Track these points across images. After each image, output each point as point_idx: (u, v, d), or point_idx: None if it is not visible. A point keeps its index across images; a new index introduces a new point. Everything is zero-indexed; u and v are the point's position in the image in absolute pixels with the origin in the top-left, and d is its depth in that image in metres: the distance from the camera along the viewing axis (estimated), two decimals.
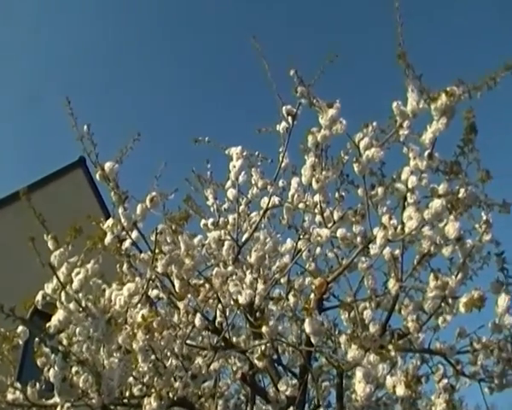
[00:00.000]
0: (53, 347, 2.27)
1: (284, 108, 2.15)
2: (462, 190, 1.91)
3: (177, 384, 2.50)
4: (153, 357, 2.28)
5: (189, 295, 2.44)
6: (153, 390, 2.41)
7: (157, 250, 2.31)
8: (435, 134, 1.78)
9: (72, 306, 2.20)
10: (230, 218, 2.54)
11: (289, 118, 2.13)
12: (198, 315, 2.42)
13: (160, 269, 2.35)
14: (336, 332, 2.73)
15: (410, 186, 1.90)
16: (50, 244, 2.36)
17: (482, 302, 2.14)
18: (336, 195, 2.27)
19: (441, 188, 1.94)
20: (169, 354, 2.44)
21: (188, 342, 2.51)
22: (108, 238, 2.41)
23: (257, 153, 2.52)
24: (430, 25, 14.86)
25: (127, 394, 2.55)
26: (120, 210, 2.39)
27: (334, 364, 2.72)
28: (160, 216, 2.46)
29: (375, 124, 1.95)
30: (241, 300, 2.38)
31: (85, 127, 2.20)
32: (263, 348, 2.48)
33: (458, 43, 14.78)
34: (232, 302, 2.44)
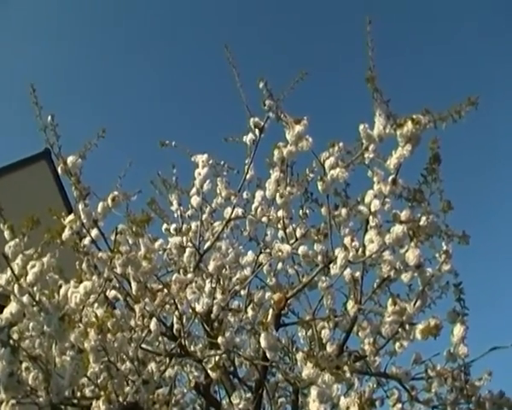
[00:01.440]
0: (2, 340, 2.23)
1: (252, 119, 2.16)
2: (423, 219, 1.94)
3: (127, 389, 2.48)
4: (106, 359, 2.26)
5: (146, 299, 2.43)
6: (102, 393, 2.39)
7: (115, 250, 2.29)
8: (400, 160, 1.81)
9: (25, 299, 2.17)
10: (193, 225, 2.54)
11: (256, 130, 2.15)
12: (154, 320, 2.41)
13: (118, 269, 2.33)
14: (294, 349, 2.75)
15: (372, 210, 1.93)
16: (7, 234, 2.33)
17: (438, 331, 2.18)
18: (300, 212, 2.30)
19: (403, 214, 1.97)
20: (125, 356, 2.43)
21: (143, 346, 2.50)
22: (66, 233, 2.38)
23: (223, 162, 2.53)
24: (403, 53, 15.43)
25: (78, 394, 2.53)
26: (81, 206, 2.37)
27: (291, 381, 2.73)
28: (123, 216, 2.45)
29: (341, 144, 1.98)
30: (199, 308, 2.39)
31: (49, 118, 2.17)
32: (217, 358, 2.48)
33: (429, 73, 15.42)
34: (190, 310, 2.44)
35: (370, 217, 1.93)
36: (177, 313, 2.45)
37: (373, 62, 1.76)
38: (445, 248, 2.10)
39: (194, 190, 2.41)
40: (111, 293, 2.62)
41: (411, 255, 1.98)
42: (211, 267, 2.21)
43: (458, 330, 2.18)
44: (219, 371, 2.51)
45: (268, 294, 2.45)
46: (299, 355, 2.46)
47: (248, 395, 2.71)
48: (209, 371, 2.50)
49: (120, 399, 2.38)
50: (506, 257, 14.53)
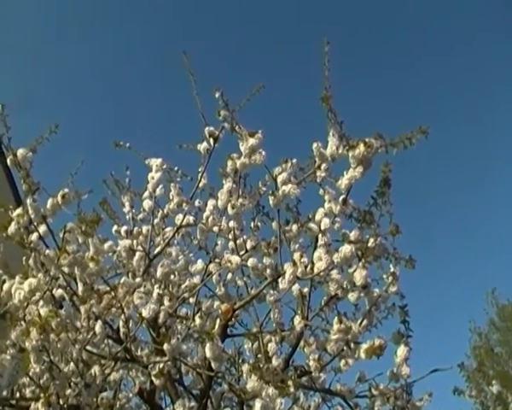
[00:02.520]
0: None
1: (207, 128, 2.16)
2: (371, 240, 1.97)
3: (69, 391, 2.44)
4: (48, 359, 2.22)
5: (92, 301, 2.39)
6: (42, 395, 2.34)
7: (62, 249, 2.26)
8: (351, 181, 1.84)
9: None
10: (144, 229, 2.52)
11: (211, 139, 2.15)
12: (99, 322, 2.38)
13: (65, 269, 2.30)
14: (240, 360, 2.75)
15: (322, 228, 1.96)
16: None
17: (381, 351, 2.23)
18: (252, 224, 2.31)
19: (352, 234, 2.00)
20: (69, 357, 2.39)
21: (88, 348, 2.46)
22: (12, 228, 2.33)
23: (176, 168, 2.52)
24: (361, 76, 16.10)
25: (18, 395, 2.47)
26: (29, 201, 2.33)
27: (236, 392, 2.74)
28: (73, 215, 2.41)
29: (294, 161, 1.99)
30: (145, 313, 2.36)
31: None
32: (162, 365, 2.46)
33: (385, 98, 16.21)
34: (137, 315, 2.42)
35: (320, 235, 1.95)
36: (123, 316, 2.42)
37: (329, 83, 1.79)
38: (392, 270, 2.14)
39: (146, 193, 2.40)
40: (57, 292, 2.57)
41: (358, 276, 2.02)
42: (158, 273, 2.20)
43: (402, 351, 2.23)
44: (163, 379, 2.50)
45: (217, 303, 2.44)
46: (245, 367, 2.48)
47: (192, 403, 2.70)
48: (153, 378, 2.48)
49: (61, 401, 2.34)
50: (451, 282, 15.16)
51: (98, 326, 2.33)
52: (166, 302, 2.37)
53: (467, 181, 17.33)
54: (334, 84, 1.76)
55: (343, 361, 2.50)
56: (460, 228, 16.82)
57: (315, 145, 1.89)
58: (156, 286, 2.34)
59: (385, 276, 2.18)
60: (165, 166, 2.35)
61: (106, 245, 2.41)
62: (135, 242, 2.43)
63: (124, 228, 2.52)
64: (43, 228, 2.36)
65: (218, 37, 15.68)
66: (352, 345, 2.31)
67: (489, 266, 15.02)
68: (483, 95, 17.30)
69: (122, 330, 2.51)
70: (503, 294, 10.83)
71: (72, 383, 2.39)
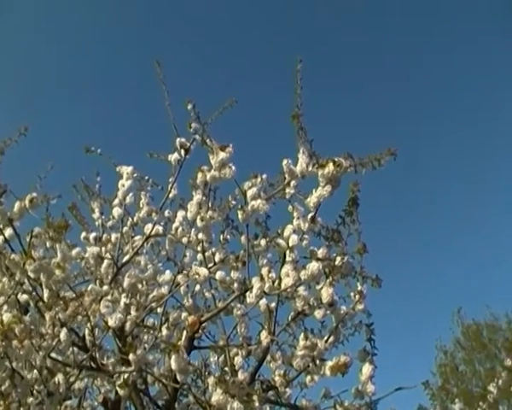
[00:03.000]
0: None
1: (178, 140, 2.16)
2: (338, 258, 1.99)
3: (30, 400, 2.40)
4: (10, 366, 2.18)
5: (58, 308, 2.36)
6: (2, 403, 2.30)
7: (28, 254, 2.23)
8: (319, 199, 1.86)
9: None
10: (113, 236, 2.50)
11: (182, 151, 2.15)
12: (64, 329, 2.35)
13: (31, 274, 2.27)
14: (206, 373, 2.74)
15: (290, 244, 1.96)
16: None
17: (346, 369, 2.25)
18: (221, 237, 2.31)
19: (320, 252, 2.02)
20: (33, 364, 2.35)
21: (52, 355, 2.42)
22: None
23: (147, 177, 2.52)
24: (332, 96, 16.65)
25: None
26: None
27: (202, 404, 2.73)
28: (41, 219, 2.39)
29: (264, 176, 2.00)
30: (111, 322, 2.34)
31: None
32: (126, 376, 2.44)
33: (356, 118, 16.82)
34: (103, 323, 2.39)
35: (287, 251, 1.96)
36: (89, 324, 2.39)
37: (300, 100, 1.81)
38: (359, 288, 2.16)
39: (116, 200, 2.38)
40: (22, 297, 2.54)
41: (325, 293, 2.03)
42: (125, 284, 2.19)
43: (367, 369, 2.24)
44: (128, 389, 2.47)
45: (184, 314, 2.43)
46: (211, 380, 2.48)
47: None
48: (118, 389, 2.45)
49: None
50: (419, 301, 15.57)
51: (63, 334, 2.30)
52: (133, 312, 2.35)
53: (434, 199, 17.78)
54: (305, 102, 1.78)
55: (309, 377, 2.51)
56: (429, 246, 17.29)
57: (285, 162, 1.90)
58: (123, 295, 2.32)
59: (352, 294, 2.20)
60: (135, 175, 2.34)
61: (74, 251, 2.38)
62: (103, 249, 2.41)
63: (93, 235, 2.49)
64: (9, 231, 2.33)
65: (193, 50, 16.03)
66: (318, 362, 2.33)
67: (456, 285, 15.42)
68: (444, 119, 17.89)
69: (88, 338, 2.48)
70: (469, 313, 11.12)
71: (34, 391, 2.36)
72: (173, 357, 2.19)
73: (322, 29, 16.76)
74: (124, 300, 2.35)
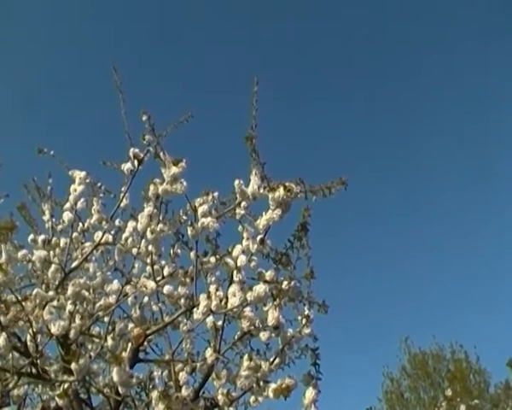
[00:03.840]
0: None
1: (132, 149, 2.16)
2: (285, 282, 2.01)
3: None
4: None
5: None
6: None
7: None
8: (269, 222, 1.88)
9: None
10: (62, 241, 2.47)
11: (135, 161, 2.14)
12: (3, 334, 2.31)
13: None
14: (151, 386, 2.72)
15: (238, 264, 1.98)
16: None
17: (289, 392, 2.26)
18: (171, 251, 2.31)
19: (268, 274, 2.03)
20: None
21: None
22: None
23: (100, 184, 2.50)
24: (287, 122, 17.26)
25: None
26: None
27: None
28: None
29: (216, 194, 2.01)
30: (54, 330, 2.31)
31: None
32: (67, 385, 2.41)
33: (309, 145, 17.50)
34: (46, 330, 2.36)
35: (235, 271, 1.97)
36: (31, 330, 2.36)
37: (255, 122, 1.82)
38: (306, 312, 2.18)
39: (67, 204, 2.36)
40: None
41: (271, 316, 2.05)
42: (69, 292, 2.16)
43: (310, 393, 2.26)
44: (67, 399, 2.44)
45: (131, 325, 2.41)
46: (155, 394, 2.46)
47: None
48: (56, 398, 2.42)
49: None
50: (368, 328, 16.00)
51: (2, 338, 2.26)
52: (78, 320, 2.33)
53: (384, 225, 18.32)
54: (260, 124, 1.80)
55: (253, 397, 2.52)
56: (379, 275, 17.76)
57: (237, 182, 1.92)
58: (69, 302, 2.30)
59: (299, 317, 2.22)
60: (88, 180, 2.32)
61: (20, 253, 2.35)
62: (51, 253, 2.38)
63: (41, 237, 2.46)
64: None
65: (152, 60, 16.25)
66: (262, 383, 2.34)
67: (404, 314, 15.81)
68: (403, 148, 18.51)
69: (30, 343, 2.43)
70: (416, 342, 11.46)
71: None
72: (115, 369, 2.18)
73: (282, 49, 17.34)
74: (69, 307, 2.32)
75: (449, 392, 7.30)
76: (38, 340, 2.40)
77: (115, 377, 2.18)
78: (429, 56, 17.55)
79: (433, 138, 17.92)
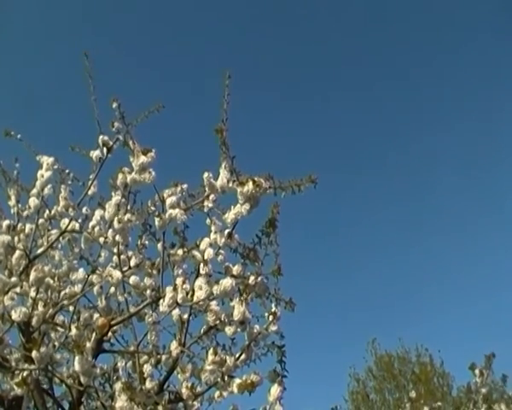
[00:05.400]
0: None
1: (101, 137, 2.17)
2: (252, 278, 2.04)
3: None
4: None
5: None
6: None
7: None
8: (237, 216, 1.91)
9: None
10: (28, 227, 2.47)
11: (104, 149, 2.16)
12: None
13: None
14: (115, 378, 2.75)
15: (205, 257, 2.00)
16: None
17: (254, 388, 2.31)
18: (139, 241, 2.33)
19: (235, 269, 2.07)
20: None
21: None
22: None
23: (68, 171, 2.50)
24: (262, 117, 17.54)
25: None
26: None
27: (108, 409, 2.72)
28: None
29: (185, 186, 2.04)
30: (15, 316, 2.31)
31: None
32: (26, 374, 2.42)
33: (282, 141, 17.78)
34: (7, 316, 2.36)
35: (202, 264, 2.00)
36: None
37: (226, 115, 1.85)
38: (273, 309, 2.22)
39: (34, 190, 2.36)
40: None
41: (237, 311, 2.09)
42: (31, 277, 2.17)
43: (275, 389, 2.31)
44: (26, 388, 2.45)
45: (96, 315, 2.43)
46: (118, 385, 2.48)
47: None
48: (14, 386, 2.42)
49: None
50: (336, 328, 16.37)
51: None
52: (41, 308, 2.34)
53: (353, 220, 18.61)
54: (232, 118, 1.83)
55: (218, 393, 2.56)
56: (349, 275, 18.04)
57: (206, 175, 1.95)
58: (33, 289, 2.30)
59: (266, 314, 2.26)
60: (56, 167, 2.32)
61: None
62: (16, 239, 2.38)
63: (6, 222, 2.45)
64: None
65: (125, 49, 16.24)
66: (226, 378, 2.38)
67: (371, 316, 16.10)
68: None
69: None
70: (383, 344, 11.68)
71: None
72: (77, 358, 2.20)
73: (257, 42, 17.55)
74: (31, 294, 2.33)
75: (413, 394, 7.50)
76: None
77: (77, 367, 2.20)
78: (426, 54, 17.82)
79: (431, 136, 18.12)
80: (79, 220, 2.32)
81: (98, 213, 2.22)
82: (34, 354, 2.29)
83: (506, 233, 15.59)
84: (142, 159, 1.94)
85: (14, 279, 2.33)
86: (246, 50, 18.14)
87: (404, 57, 18.82)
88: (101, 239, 2.20)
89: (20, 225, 2.51)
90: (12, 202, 2.61)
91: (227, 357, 2.28)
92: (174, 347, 2.31)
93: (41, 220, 2.46)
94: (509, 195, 16.69)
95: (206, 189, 1.96)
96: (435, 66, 17.90)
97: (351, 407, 10.90)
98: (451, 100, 18.86)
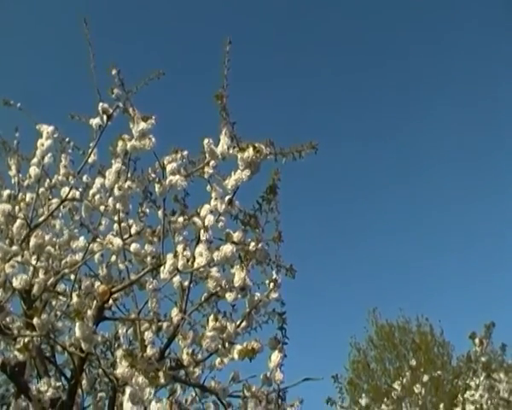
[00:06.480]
0: None
1: (101, 104, 2.19)
2: (252, 244, 2.09)
3: None
4: None
5: None
6: None
7: None
8: (237, 182, 1.95)
9: None
10: (28, 196, 2.51)
11: (104, 116, 2.18)
12: None
13: None
14: (116, 345, 2.82)
15: (206, 224, 2.05)
16: None
17: (254, 354, 2.38)
18: (139, 209, 2.37)
19: (236, 235, 2.11)
20: None
21: None
22: None
23: (68, 139, 2.53)
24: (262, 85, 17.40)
25: None
26: None
27: (109, 376, 2.80)
28: None
29: (185, 153, 2.07)
30: (16, 284, 2.37)
31: None
32: (27, 340, 2.48)
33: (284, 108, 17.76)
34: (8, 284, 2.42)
35: (202, 231, 2.05)
36: None
37: (226, 81, 1.88)
38: (274, 276, 2.27)
39: (35, 160, 2.39)
40: None
41: (237, 277, 2.14)
42: (31, 243, 2.22)
43: (276, 356, 2.38)
44: (28, 354, 2.52)
45: (97, 284, 2.49)
46: (120, 352, 2.55)
47: (59, 383, 2.73)
48: (16, 352, 2.49)
49: None
50: (338, 297, 16.64)
51: None
52: (41, 275, 2.39)
53: (357, 191, 18.67)
54: (232, 84, 1.86)
55: (218, 359, 2.63)
56: (351, 244, 18.21)
57: (206, 141, 1.98)
58: (33, 257, 2.35)
59: (267, 281, 2.32)
60: (56, 135, 2.35)
61: None
62: (17, 208, 2.42)
63: (6, 192, 2.49)
64: None
65: (123, 17, 16.04)
66: (227, 344, 2.45)
67: (373, 285, 16.32)
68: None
69: None
70: (383, 314, 11.81)
71: None
72: (77, 324, 2.26)
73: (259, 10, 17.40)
74: (32, 261, 2.38)
75: (413, 362, 7.65)
76: (0, 294, 2.46)
77: (78, 333, 2.26)
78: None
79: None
80: (80, 189, 2.37)
81: (98, 181, 2.26)
82: (35, 321, 2.35)
83: (506, 207, 15.75)
84: (142, 125, 1.97)
85: (15, 248, 2.38)
86: (247, 14, 17.93)
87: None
88: (102, 207, 2.24)
89: (20, 194, 2.55)
90: (12, 171, 2.64)
91: (228, 324, 2.34)
92: (175, 314, 2.36)
93: (41, 189, 2.49)
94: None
95: (207, 155, 2.00)
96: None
97: (351, 376, 10.97)
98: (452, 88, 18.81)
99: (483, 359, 5.26)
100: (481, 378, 5.30)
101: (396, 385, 6.90)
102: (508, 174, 16.50)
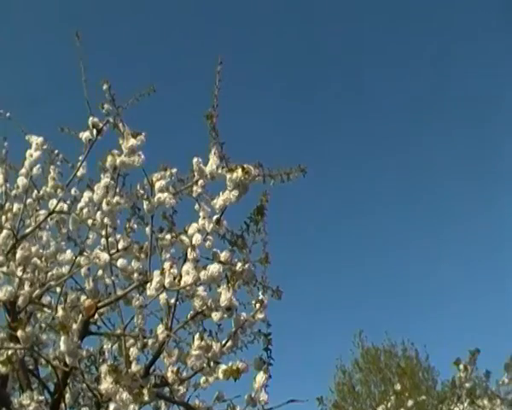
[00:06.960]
0: None
1: (91, 118, 2.20)
2: (239, 264, 2.09)
3: None
4: None
5: None
6: None
7: None
8: (226, 203, 1.95)
9: None
10: (15, 206, 2.51)
11: (94, 130, 2.19)
12: None
13: None
14: (101, 360, 2.81)
15: (193, 242, 2.05)
16: None
17: (239, 374, 2.37)
18: (127, 225, 2.37)
19: (223, 255, 2.11)
20: None
21: None
22: None
23: (57, 151, 2.54)
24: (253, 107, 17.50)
25: None
26: None
27: (93, 391, 2.79)
28: None
29: (174, 170, 2.08)
30: (1, 295, 2.36)
31: None
32: (10, 352, 2.47)
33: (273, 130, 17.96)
34: None
35: (189, 249, 2.05)
36: None
37: (217, 101, 1.89)
38: (260, 297, 2.27)
39: (23, 170, 2.39)
40: None
41: (223, 297, 2.14)
42: (18, 256, 2.21)
43: (261, 377, 2.37)
44: (10, 367, 2.50)
45: (83, 297, 2.48)
46: (104, 368, 2.55)
47: (42, 397, 2.71)
48: None
49: None
50: (321, 322, 16.69)
51: None
52: (27, 287, 2.38)
53: (344, 215, 18.79)
54: (222, 104, 1.87)
55: (203, 378, 2.62)
56: (340, 268, 18.22)
57: (195, 160, 1.99)
58: (19, 269, 2.35)
59: (253, 302, 2.32)
60: (45, 147, 2.36)
61: None
62: (3, 218, 2.42)
63: None
64: None
65: (116, 34, 16.20)
66: (212, 364, 2.44)
67: (360, 308, 16.35)
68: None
69: None
70: (370, 337, 11.92)
71: None
72: (62, 338, 2.25)
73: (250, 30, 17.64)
74: (18, 273, 2.37)
75: (398, 387, 7.64)
76: None
77: (62, 347, 2.25)
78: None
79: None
80: (68, 202, 2.37)
81: (87, 194, 2.26)
82: (19, 333, 2.34)
83: (492, 231, 15.86)
84: (132, 142, 1.98)
85: (0, 258, 2.37)
86: (238, 35, 18.20)
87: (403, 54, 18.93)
88: (90, 221, 2.24)
89: (7, 204, 2.54)
90: (0, 181, 2.64)
91: (213, 343, 2.34)
92: (161, 331, 2.36)
93: (29, 200, 2.49)
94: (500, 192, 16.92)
95: (196, 174, 2.00)
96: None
97: (337, 398, 11.06)
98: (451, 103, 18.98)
99: (467, 385, 5.25)
100: (465, 404, 5.30)
101: (381, 409, 6.90)
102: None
